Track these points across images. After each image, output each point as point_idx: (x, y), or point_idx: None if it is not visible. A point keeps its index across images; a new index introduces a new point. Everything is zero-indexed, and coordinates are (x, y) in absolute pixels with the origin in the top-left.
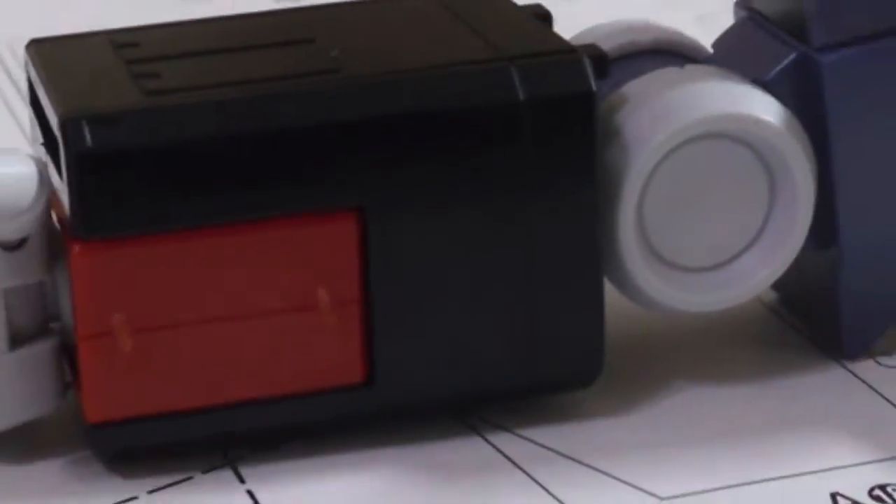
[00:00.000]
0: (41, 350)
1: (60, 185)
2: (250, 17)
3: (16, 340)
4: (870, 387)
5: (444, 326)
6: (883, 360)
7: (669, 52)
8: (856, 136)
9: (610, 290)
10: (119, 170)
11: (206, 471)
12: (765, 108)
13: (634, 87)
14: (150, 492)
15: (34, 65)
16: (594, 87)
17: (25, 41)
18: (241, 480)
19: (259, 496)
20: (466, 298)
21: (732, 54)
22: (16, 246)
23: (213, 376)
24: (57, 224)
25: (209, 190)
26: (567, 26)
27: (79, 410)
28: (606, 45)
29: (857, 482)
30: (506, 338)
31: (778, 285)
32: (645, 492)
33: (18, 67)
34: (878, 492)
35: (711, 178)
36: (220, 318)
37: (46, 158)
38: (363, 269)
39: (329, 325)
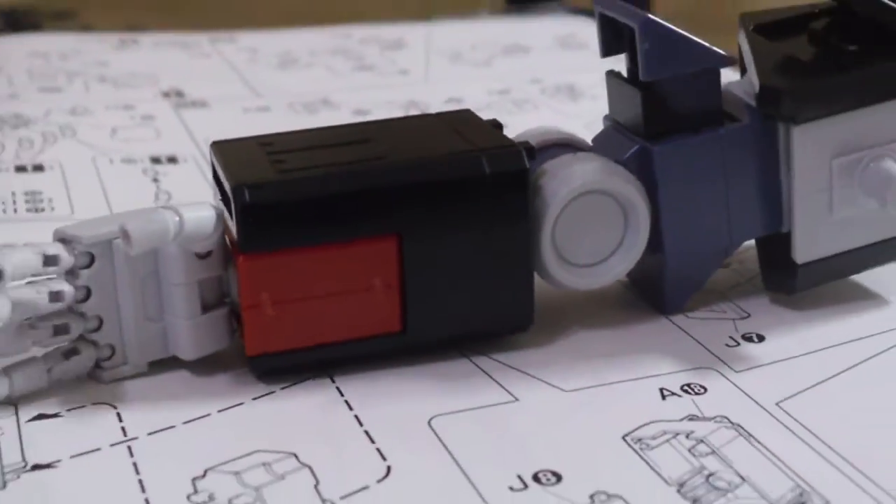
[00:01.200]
0: (221, 314)
1: (231, 223)
2: (333, 128)
3: (205, 307)
4: (681, 329)
5: (445, 299)
6: (689, 314)
7: (568, 145)
8: (674, 193)
9: (536, 279)
10: (264, 214)
11: (311, 377)
12: (622, 177)
13: (549, 165)
14: (283, 388)
15: (214, 156)
16: (527, 166)
17: (213, 139)
18: (332, 381)
19: (343, 389)
20: (457, 284)
21: (604, 146)
22: (205, 256)
23: (318, 328)
24: (229, 244)
25: (314, 224)
26: (513, 128)
27: (241, 347)
28: (534, 141)
29: (674, 382)
30: (479, 305)
31: (629, 274)
32: (556, 387)
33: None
34: (685, 387)
35: (593, 215)
36: (321, 296)
37: (223, 207)
38: (400, 267)
39: (381, 300)
